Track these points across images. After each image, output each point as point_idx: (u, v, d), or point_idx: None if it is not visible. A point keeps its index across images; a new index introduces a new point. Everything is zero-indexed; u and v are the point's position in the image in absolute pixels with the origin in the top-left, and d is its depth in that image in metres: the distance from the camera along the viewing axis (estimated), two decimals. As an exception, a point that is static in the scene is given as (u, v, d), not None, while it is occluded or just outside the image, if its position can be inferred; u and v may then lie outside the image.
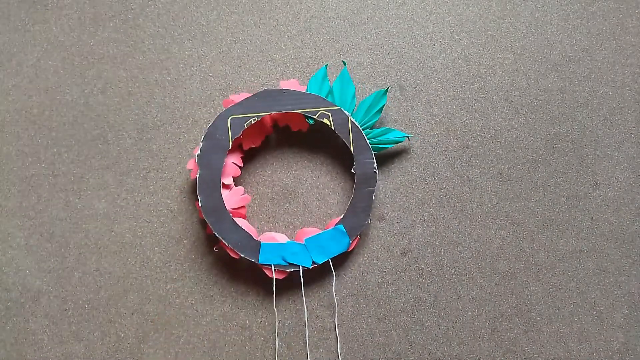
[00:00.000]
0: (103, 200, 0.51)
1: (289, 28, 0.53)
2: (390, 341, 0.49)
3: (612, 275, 0.50)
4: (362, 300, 0.50)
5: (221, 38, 0.52)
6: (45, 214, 0.51)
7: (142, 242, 0.50)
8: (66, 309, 0.50)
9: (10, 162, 0.51)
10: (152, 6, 0.53)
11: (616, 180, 0.51)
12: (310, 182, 0.51)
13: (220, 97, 0.52)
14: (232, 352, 0.49)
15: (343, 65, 0.51)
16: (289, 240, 0.49)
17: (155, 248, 0.50)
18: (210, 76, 0.52)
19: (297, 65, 0.52)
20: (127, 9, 0.53)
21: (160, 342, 0.49)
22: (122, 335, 0.50)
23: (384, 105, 0.49)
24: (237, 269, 0.50)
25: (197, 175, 0.47)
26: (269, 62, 0.52)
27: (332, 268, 0.49)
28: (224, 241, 0.47)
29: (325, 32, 0.52)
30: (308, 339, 0.49)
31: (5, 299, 0.50)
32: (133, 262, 0.50)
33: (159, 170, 0.51)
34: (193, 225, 0.51)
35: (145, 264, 0.50)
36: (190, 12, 0.53)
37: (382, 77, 0.52)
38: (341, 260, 0.50)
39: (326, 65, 0.50)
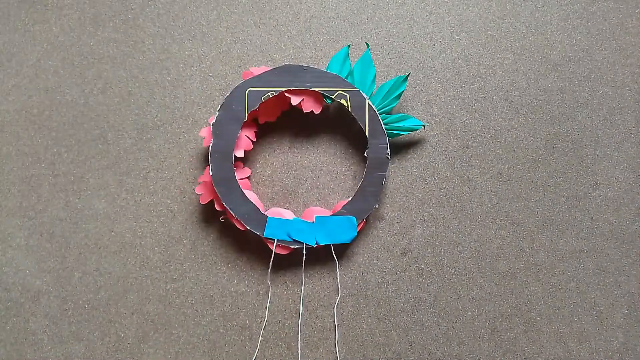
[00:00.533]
0: (103, 200, 0.51)
1: (289, 28, 0.53)
2: (390, 341, 0.49)
3: (612, 275, 0.50)
4: (362, 300, 0.50)
5: (221, 38, 0.52)
6: (45, 214, 0.51)
7: (142, 242, 0.50)
8: (66, 309, 0.50)
9: (10, 162, 0.51)
10: (152, 6, 0.53)
11: (616, 180, 0.51)
12: (315, 173, 0.51)
13: (221, 97, 0.52)
14: (232, 352, 0.49)
15: (366, 47, 0.50)
16: (295, 217, 0.49)
17: (155, 248, 0.50)
18: (210, 76, 0.52)
19: (297, 65, 0.52)
20: (127, 9, 0.53)
21: (160, 342, 0.49)
22: (122, 335, 0.50)
23: (402, 92, 0.49)
24: (237, 269, 0.50)
25: (210, 144, 0.47)
26: (269, 62, 0.52)
27: (334, 255, 0.49)
28: (232, 212, 0.47)
29: (325, 32, 0.52)
30: (307, 338, 0.49)
31: (5, 299, 0.50)
32: (133, 262, 0.50)
33: (159, 170, 0.51)
34: (193, 225, 0.51)
35: (145, 264, 0.50)
36: (190, 12, 0.53)
37: (382, 77, 0.52)
38: (341, 260, 0.50)
39: (348, 45, 0.49)
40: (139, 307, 0.50)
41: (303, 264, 0.48)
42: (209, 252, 0.50)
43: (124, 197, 0.51)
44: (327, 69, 0.49)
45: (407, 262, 0.50)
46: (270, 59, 0.52)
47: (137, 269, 0.50)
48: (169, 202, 0.51)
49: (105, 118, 0.52)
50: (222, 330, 0.49)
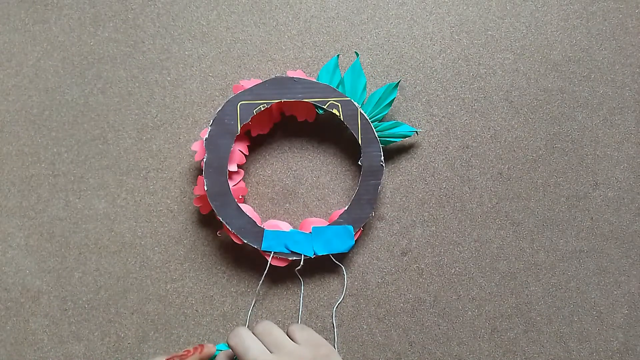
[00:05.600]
0: (103, 200, 0.51)
1: (289, 28, 0.53)
2: (390, 341, 0.49)
3: (612, 275, 0.50)
4: (362, 300, 0.50)
5: (221, 38, 0.52)
6: (45, 214, 0.51)
7: (142, 242, 0.50)
8: (66, 309, 0.50)
9: (10, 162, 0.51)
10: (152, 6, 0.53)
11: (616, 180, 0.51)
12: (310, 181, 0.51)
13: (221, 97, 0.52)
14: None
15: (355, 56, 0.50)
16: (292, 228, 0.49)
17: (155, 248, 0.50)
18: (210, 76, 0.52)
19: (297, 65, 0.52)
20: (127, 9, 0.53)
21: (160, 342, 0.49)
22: (122, 335, 0.50)
23: (394, 99, 0.49)
24: (238, 269, 0.50)
25: (204, 160, 0.47)
26: (269, 62, 0.52)
27: (338, 262, 0.49)
28: (228, 226, 0.47)
29: (325, 32, 0.52)
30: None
31: (5, 299, 0.50)
32: (133, 262, 0.50)
33: (159, 170, 0.51)
34: (193, 225, 0.51)
35: (145, 264, 0.50)
36: (190, 12, 0.53)
37: (382, 77, 0.52)
38: (342, 260, 0.50)
39: (338, 55, 0.49)
40: (139, 307, 0.50)
41: (301, 264, 0.48)
42: (209, 252, 0.50)
43: (124, 197, 0.51)
44: (317, 79, 0.49)
45: (407, 262, 0.50)
46: (270, 58, 0.52)
47: (137, 269, 0.50)
48: (169, 202, 0.51)
49: (105, 118, 0.52)
50: (222, 330, 0.49)
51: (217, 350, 0.47)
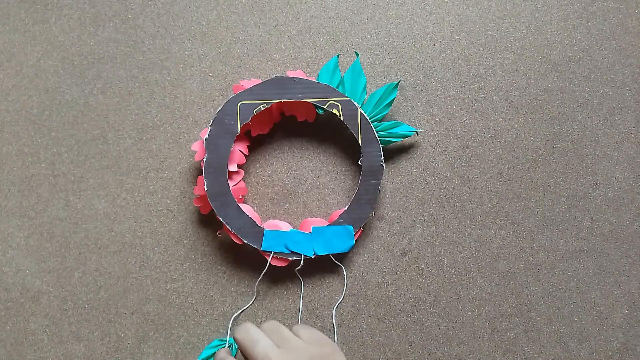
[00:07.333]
0: (103, 200, 0.51)
1: (289, 28, 0.53)
2: (390, 341, 0.49)
3: (612, 275, 0.50)
4: (362, 300, 0.50)
5: (221, 38, 0.52)
6: (45, 214, 0.51)
7: (142, 242, 0.50)
8: (66, 309, 0.50)
9: (10, 162, 0.51)
10: (152, 6, 0.53)
11: (616, 180, 0.51)
12: (310, 181, 0.51)
13: (221, 97, 0.52)
14: (232, 352, 0.49)
15: (356, 56, 0.50)
16: (292, 228, 0.49)
17: (155, 248, 0.50)
18: (210, 76, 0.52)
19: (297, 66, 0.52)
20: (127, 9, 0.53)
21: (160, 342, 0.49)
22: (122, 335, 0.50)
23: (394, 99, 0.49)
24: (238, 269, 0.50)
25: (204, 160, 0.47)
26: (269, 62, 0.52)
27: (339, 262, 0.49)
28: (228, 226, 0.47)
29: (325, 32, 0.52)
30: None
31: (5, 299, 0.50)
32: (133, 262, 0.50)
33: (159, 170, 0.51)
34: (193, 225, 0.51)
35: (145, 264, 0.50)
36: (190, 12, 0.53)
37: (382, 77, 0.52)
38: (342, 260, 0.50)
39: (338, 55, 0.49)
40: (139, 307, 0.50)
41: (301, 264, 0.48)
42: (209, 252, 0.50)
43: (124, 197, 0.51)
44: (317, 79, 0.49)
45: (407, 262, 0.50)
46: (270, 59, 0.52)
47: (137, 269, 0.50)
48: (169, 202, 0.51)
49: (105, 118, 0.52)
50: (222, 330, 0.49)
51: (212, 347, 0.48)
